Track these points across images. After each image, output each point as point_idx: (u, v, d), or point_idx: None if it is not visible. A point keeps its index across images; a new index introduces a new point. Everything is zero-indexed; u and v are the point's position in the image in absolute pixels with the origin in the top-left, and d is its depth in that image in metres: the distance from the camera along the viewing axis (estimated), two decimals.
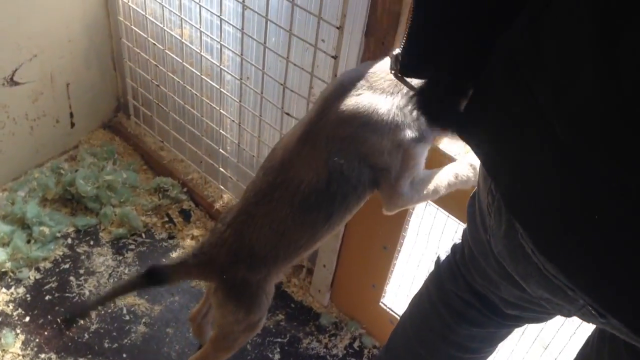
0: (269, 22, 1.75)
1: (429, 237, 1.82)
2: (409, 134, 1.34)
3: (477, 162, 1.46)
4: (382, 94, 1.33)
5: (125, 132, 2.62)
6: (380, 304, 2.03)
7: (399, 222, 1.78)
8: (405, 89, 1.31)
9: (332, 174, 1.37)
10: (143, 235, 2.34)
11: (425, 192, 1.45)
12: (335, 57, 1.64)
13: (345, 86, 1.38)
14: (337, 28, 1.58)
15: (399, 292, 1.99)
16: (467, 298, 1.32)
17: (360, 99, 1.34)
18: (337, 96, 1.37)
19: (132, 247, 2.31)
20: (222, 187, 2.37)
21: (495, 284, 1.18)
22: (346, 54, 1.64)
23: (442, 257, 1.41)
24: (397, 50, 1.04)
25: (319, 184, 1.38)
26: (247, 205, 1.49)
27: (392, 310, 2.02)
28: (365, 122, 1.33)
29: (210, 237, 1.56)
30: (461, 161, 1.50)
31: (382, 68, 1.37)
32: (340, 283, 2.13)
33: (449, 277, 1.35)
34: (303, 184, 1.39)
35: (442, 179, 1.47)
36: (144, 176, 2.52)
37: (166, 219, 2.40)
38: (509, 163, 0.84)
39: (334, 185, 1.38)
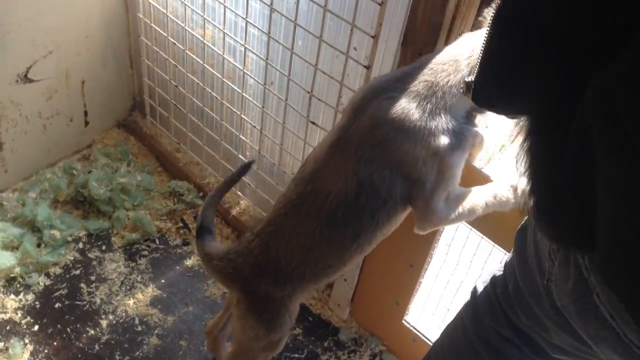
0: (297, 26, 1.65)
1: (459, 258, 1.73)
2: (445, 140, 1.25)
3: (517, 184, 1.37)
4: (417, 97, 1.24)
5: (140, 131, 2.54)
6: (403, 321, 1.95)
7: (428, 240, 1.69)
8: (440, 92, 1.23)
9: (362, 185, 1.28)
10: (157, 241, 2.26)
11: (461, 210, 1.36)
12: (367, 67, 1.55)
13: (377, 90, 1.28)
14: (372, 37, 1.49)
15: (424, 311, 1.90)
16: (507, 334, 1.23)
17: (393, 103, 1.25)
18: (368, 100, 1.28)
19: (145, 253, 2.23)
20: (239, 193, 2.28)
21: (544, 327, 1.08)
22: (379, 64, 1.55)
23: (480, 289, 1.30)
24: (469, 78, 0.94)
25: (347, 195, 1.29)
26: (276, 216, 1.42)
27: (415, 329, 1.93)
28: (398, 127, 1.23)
29: (238, 245, 1.49)
30: (500, 181, 1.41)
31: (417, 70, 1.27)
32: (361, 298, 2.05)
33: (488, 312, 1.25)
34: (331, 195, 1.31)
35: (480, 198, 1.37)
36: (159, 179, 2.44)
37: (181, 224, 2.32)
38: (600, 219, 0.73)
39: (362, 197, 1.29)
